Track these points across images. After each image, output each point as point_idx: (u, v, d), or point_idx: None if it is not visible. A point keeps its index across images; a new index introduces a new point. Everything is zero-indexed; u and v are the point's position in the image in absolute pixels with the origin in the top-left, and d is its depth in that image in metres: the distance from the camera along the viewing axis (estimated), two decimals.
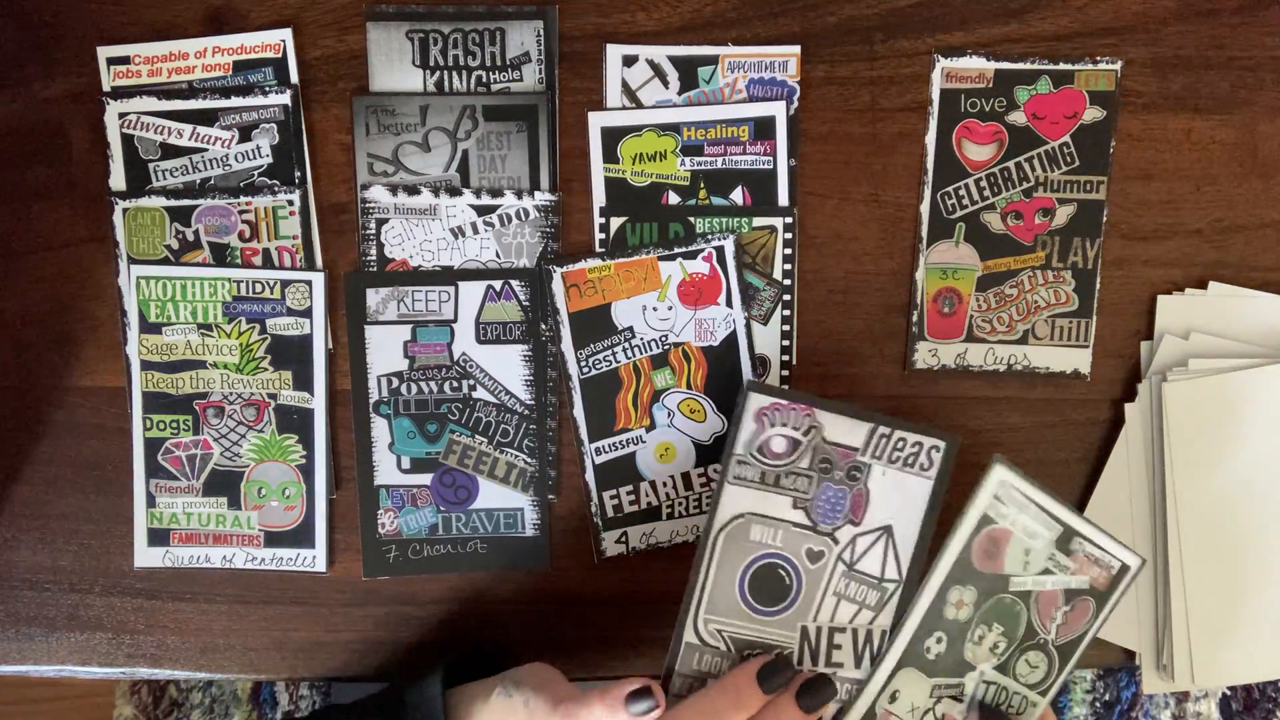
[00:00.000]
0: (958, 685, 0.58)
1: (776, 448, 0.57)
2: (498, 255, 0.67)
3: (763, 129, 0.66)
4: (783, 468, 0.57)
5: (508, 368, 0.67)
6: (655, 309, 0.66)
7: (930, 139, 0.66)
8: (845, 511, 0.57)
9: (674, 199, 0.67)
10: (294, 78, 0.66)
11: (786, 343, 0.67)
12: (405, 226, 0.67)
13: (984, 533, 0.56)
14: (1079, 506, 0.68)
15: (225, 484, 0.68)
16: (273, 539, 0.68)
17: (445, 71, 0.66)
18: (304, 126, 0.67)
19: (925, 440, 0.57)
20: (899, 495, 0.57)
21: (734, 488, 0.57)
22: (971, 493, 0.56)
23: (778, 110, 0.66)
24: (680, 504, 0.67)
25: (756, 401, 0.56)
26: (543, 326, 0.67)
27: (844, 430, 0.57)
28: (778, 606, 0.57)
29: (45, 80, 0.67)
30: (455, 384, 0.67)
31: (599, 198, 0.67)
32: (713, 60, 0.66)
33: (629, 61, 0.66)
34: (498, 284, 0.67)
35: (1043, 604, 0.57)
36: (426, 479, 0.67)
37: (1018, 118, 0.66)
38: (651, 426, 0.67)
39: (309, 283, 0.67)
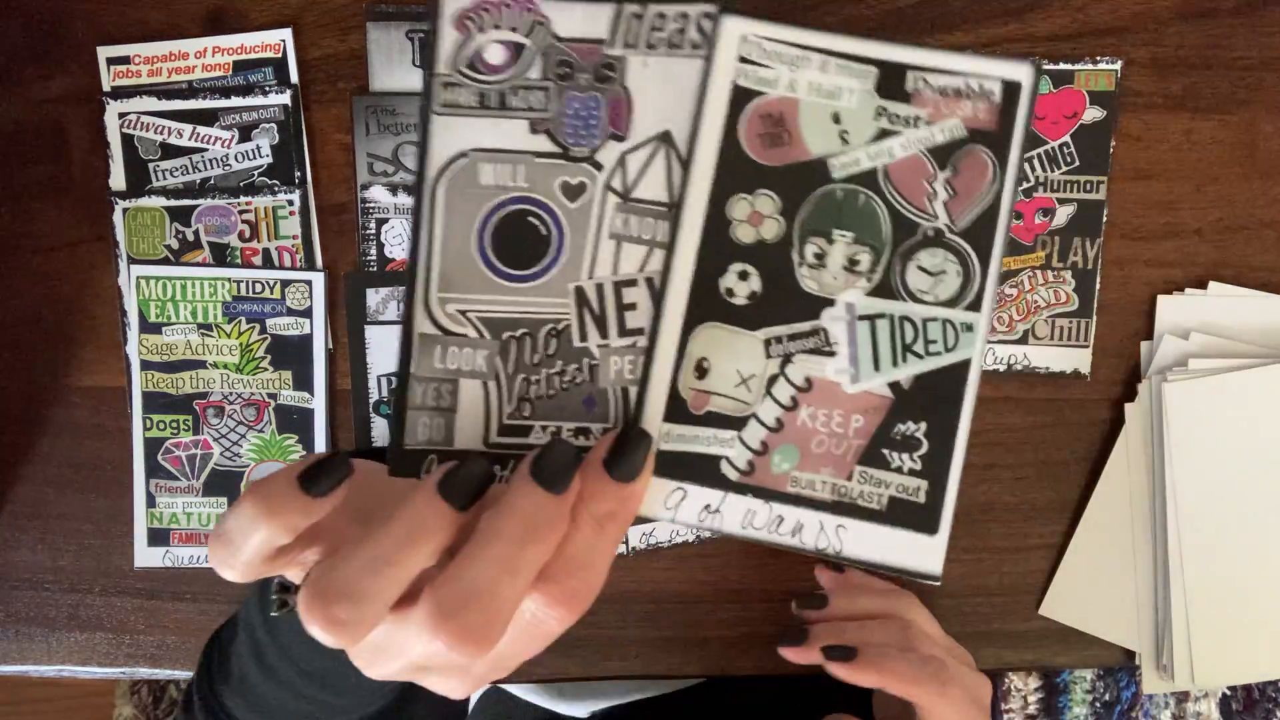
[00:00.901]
0: (813, 330, 0.41)
1: (493, 58, 0.42)
2: None
3: None
4: (507, 83, 0.42)
5: None
6: None
7: None
8: (602, 124, 0.42)
9: None
10: (294, 78, 0.66)
11: None
12: (405, 226, 0.67)
13: (749, 112, 0.40)
14: (1078, 506, 0.68)
15: (225, 484, 0.68)
16: None
17: None
18: (304, 126, 0.67)
19: (690, 9, 0.41)
20: (671, 89, 0.41)
21: (445, 118, 0.42)
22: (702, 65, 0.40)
23: None
24: None
25: (454, 3, 0.41)
26: None
27: (579, 19, 0.42)
28: (537, 267, 0.42)
29: (45, 80, 0.67)
30: None
31: None
32: None
33: None
34: None
35: (902, 180, 0.40)
36: None
37: None
38: None
39: (309, 283, 0.67)
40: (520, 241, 0.42)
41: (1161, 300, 0.67)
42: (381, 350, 0.67)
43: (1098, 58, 0.66)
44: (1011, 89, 0.40)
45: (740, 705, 0.78)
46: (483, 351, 0.42)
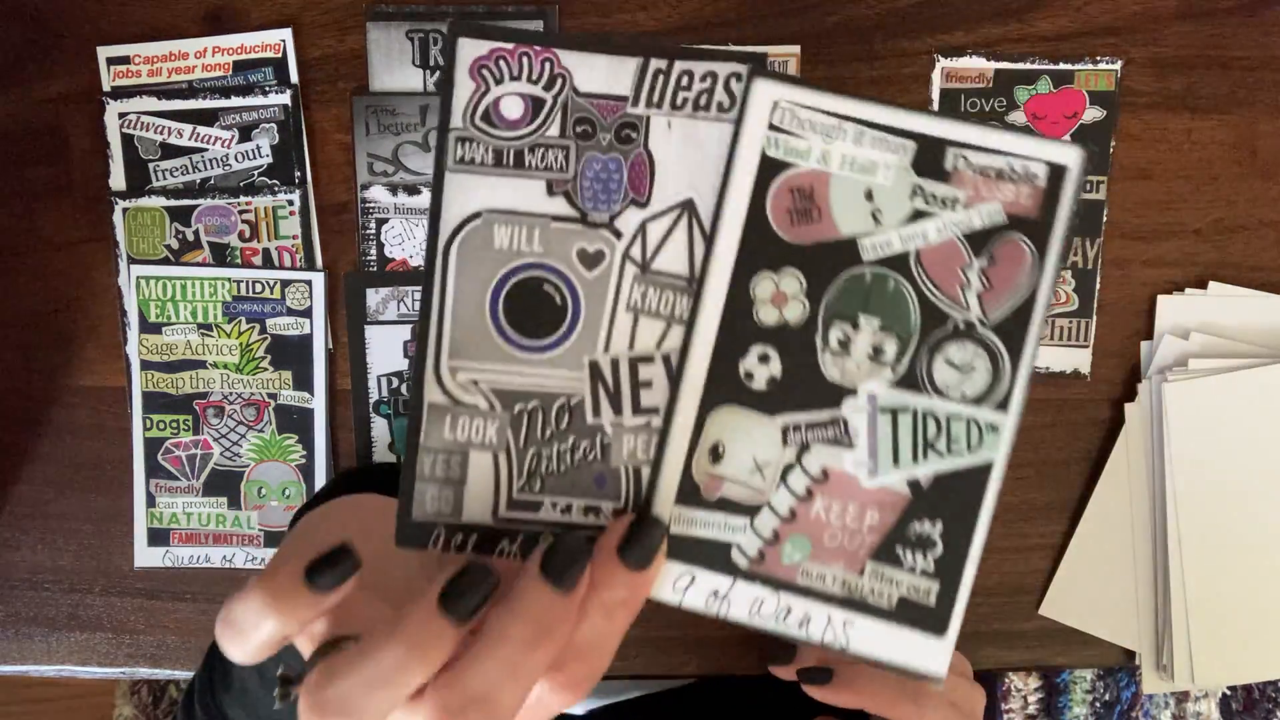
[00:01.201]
0: (832, 420, 0.39)
1: (510, 112, 0.39)
2: None
3: None
4: (525, 140, 0.40)
5: None
6: None
7: None
8: (623, 189, 0.40)
9: None
10: (294, 78, 0.66)
11: None
12: (405, 226, 0.67)
13: (778, 185, 0.38)
14: (1078, 506, 0.68)
15: (225, 484, 0.68)
16: (273, 539, 0.68)
17: None
18: (304, 126, 0.67)
19: (719, 68, 0.38)
20: (695, 154, 0.39)
21: (460, 176, 0.39)
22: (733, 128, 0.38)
23: None
24: None
25: (470, 50, 0.39)
26: None
27: (602, 74, 0.39)
28: (551, 338, 0.40)
29: (45, 80, 0.67)
30: None
31: None
32: None
33: None
34: None
35: (935, 266, 0.38)
36: None
37: (1018, 118, 0.66)
38: None
39: (309, 283, 0.67)
40: (534, 310, 0.40)
41: (1161, 300, 0.67)
42: (381, 350, 0.67)
43: (1098, 58, 0.66)
44: (1057, 173, 0.37)
45: (738, 705, 0.78)
46: (494, 423, 0.40)
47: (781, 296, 0.39)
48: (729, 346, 0.39)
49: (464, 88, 0.39)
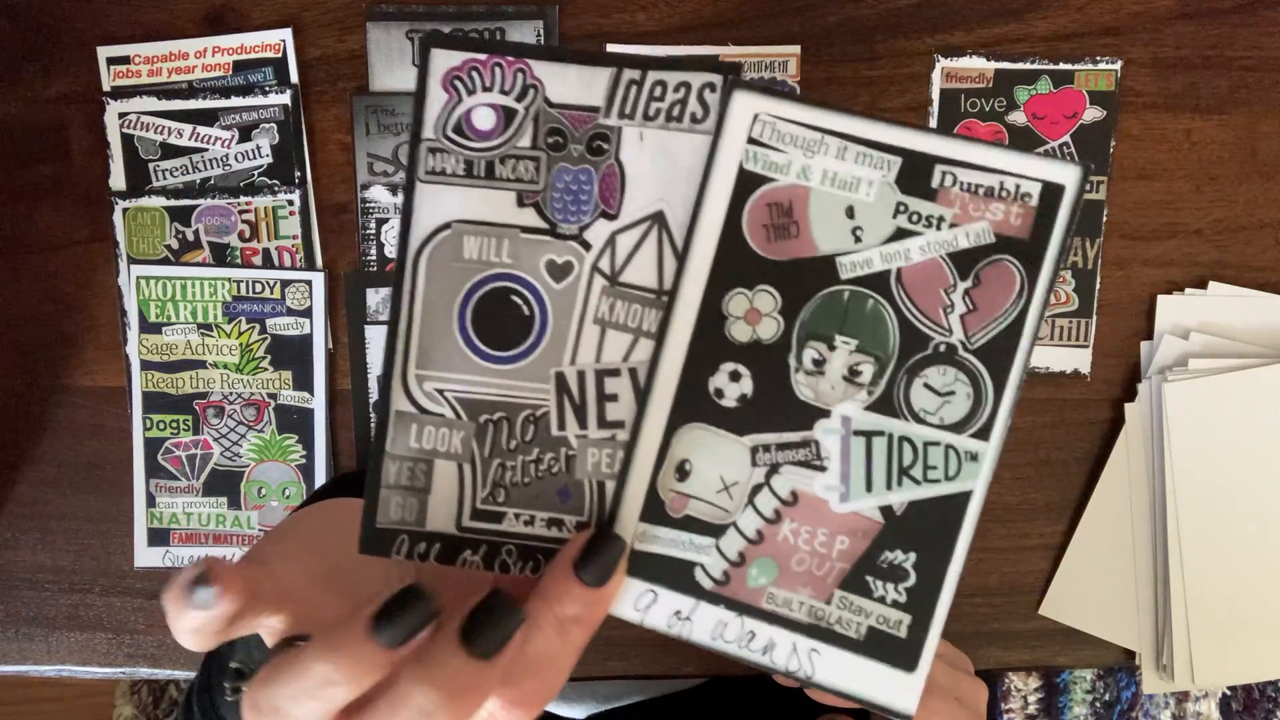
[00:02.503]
0: (803, 441, 0.37)
1: (482, 123, 0.40)
2: None
3: None
4: (496, 151, 0.40)
5: None
6: None
7: None
8: (593, 201, 0.40)
9: None
10: (294, 78, 0.66)
11: None
12: None
13: (756, 199, 0.37)
14: (1078, 506, 0.68)
15: (225, 484, 0.68)
16: None
17: None
18: (304, 126, 0.67)
19: (692, 78, 0.38)
20: (666, 165, 0.39)
21: (431, 187, 0.39)
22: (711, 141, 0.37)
23: None
24: None
25: (443, 61, 0.39)
26: None
27: (575, 85, 0.39)
28: (519, 348, 0.40)
29: (45, 80, 0.67)
30: None
31: None
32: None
33: None
34: None
35: (917, 287, 0.36)
36: None
37: (1018, 118, 0.66)
38: None
39: (309, 283, 0.67)
40: (502, 321, 0.39)
41: (1161, 300, 0.67)
42: (381, 350, 0.67)
43: (1098, 58, 0.66)
44: (1052, 193, 0.35)
45: (739, 706, 0.78)
46: (459, 433, 0.40)
47: (755, 313, 0.37)
48: (699, 362, 0.37)
49: (436, 100, 0.39)
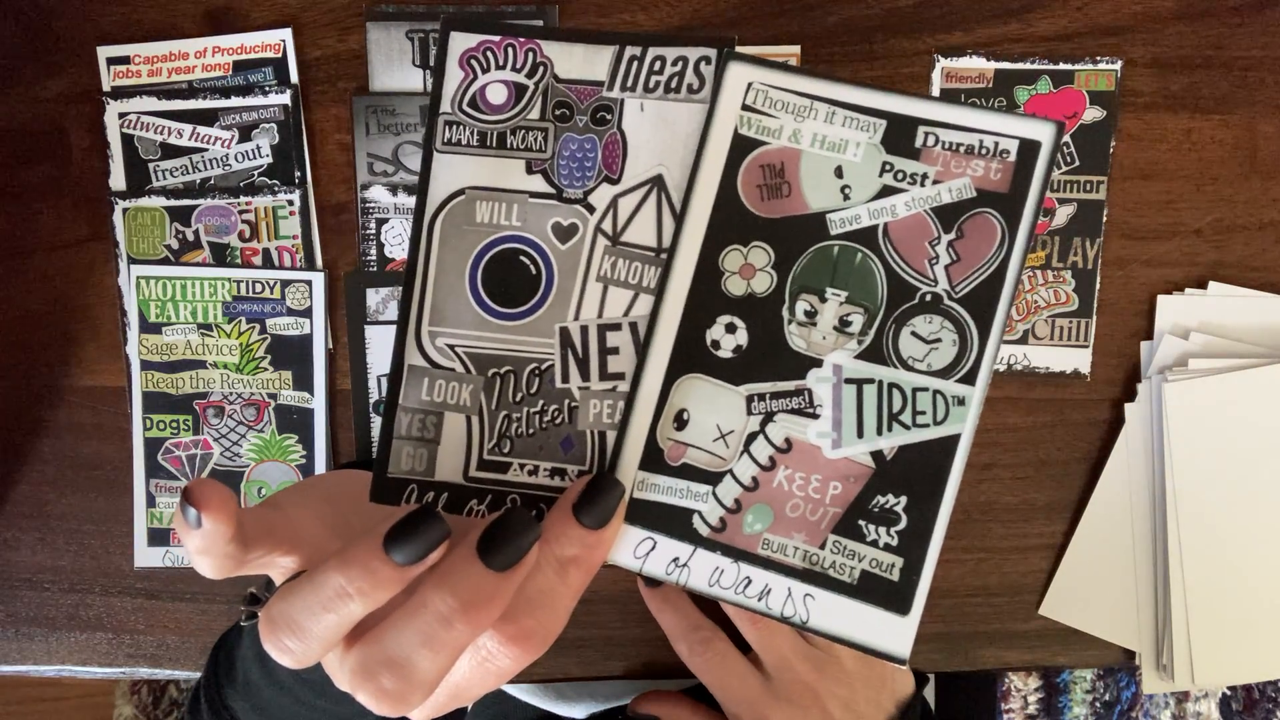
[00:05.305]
0: (797, 390, 0.39)
1: (495, 98, 0.43)
2: None
3: None
4: (508, 123, 0.43)
5: None
6: None
7: None
8: (597, 167, 0.42)
9: None
10: (294, 78, 0.66)
11: None
12: (405, 226, 0.67)
13: (749, 161, 0.39)
14: (1078, 506, 0.68)
15: (225, 484, 0.68)
16: None
17: None
18: (304, 126, 0.67)
19: (689, 52, 0.41)
20: (665, 133, 0.41)
21: (446, 156, 0.42)
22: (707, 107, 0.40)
23: None
24: None
25: (460, 42, 0.42)
26: None
27: (580, 61, 0.42)
28: (525, 305, 0.43)
29: (45, 80, 0.67)
30: None
31: None
32: None
33: None
34: None
35: (903, 240, 0.38)
36: None
37: None
38: None
39: (309, 283, 0.67)
40: (511, 280, 0.42)
41: (1161, 300, 0.67)
42: (381, 350, 0.67)
43: (1098, 58, 0.66)
44: (1029, 149, 0.38)
45: None
46: (468, 386, 0.42)
47: (750, 269, 0.39)
48: (696, 316, 0.39)
49: (453, 77, 0.42)
